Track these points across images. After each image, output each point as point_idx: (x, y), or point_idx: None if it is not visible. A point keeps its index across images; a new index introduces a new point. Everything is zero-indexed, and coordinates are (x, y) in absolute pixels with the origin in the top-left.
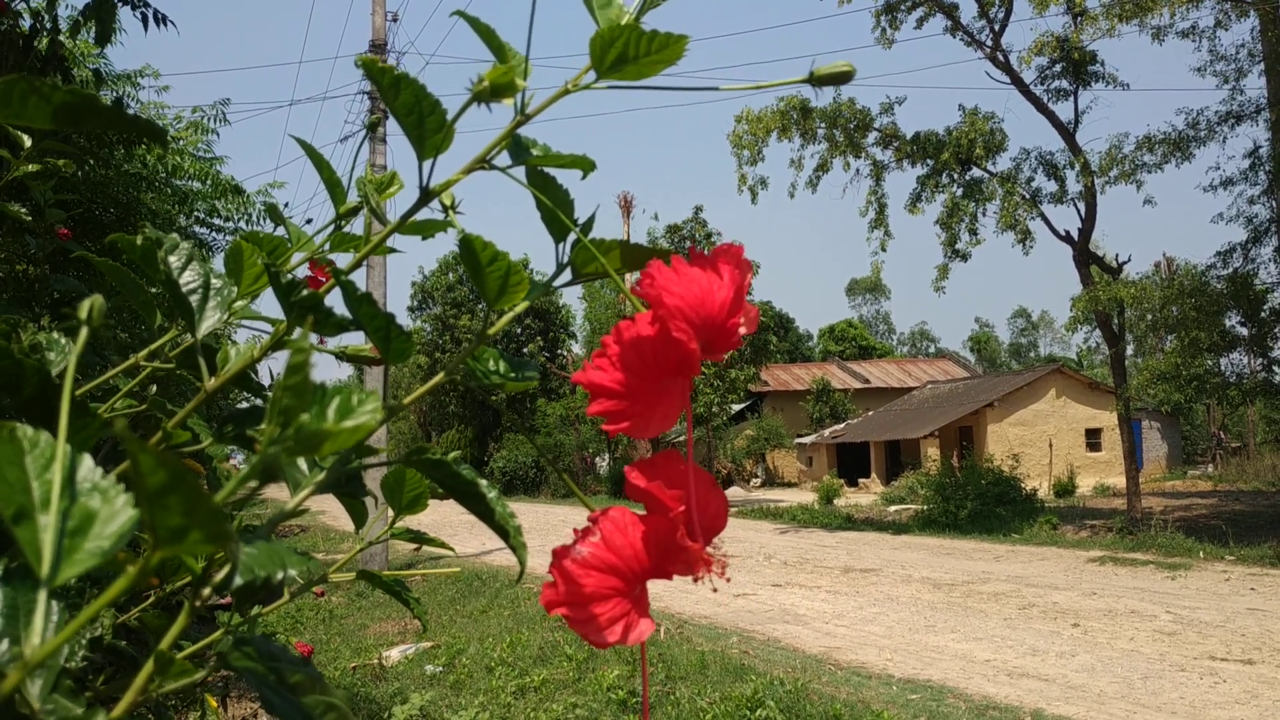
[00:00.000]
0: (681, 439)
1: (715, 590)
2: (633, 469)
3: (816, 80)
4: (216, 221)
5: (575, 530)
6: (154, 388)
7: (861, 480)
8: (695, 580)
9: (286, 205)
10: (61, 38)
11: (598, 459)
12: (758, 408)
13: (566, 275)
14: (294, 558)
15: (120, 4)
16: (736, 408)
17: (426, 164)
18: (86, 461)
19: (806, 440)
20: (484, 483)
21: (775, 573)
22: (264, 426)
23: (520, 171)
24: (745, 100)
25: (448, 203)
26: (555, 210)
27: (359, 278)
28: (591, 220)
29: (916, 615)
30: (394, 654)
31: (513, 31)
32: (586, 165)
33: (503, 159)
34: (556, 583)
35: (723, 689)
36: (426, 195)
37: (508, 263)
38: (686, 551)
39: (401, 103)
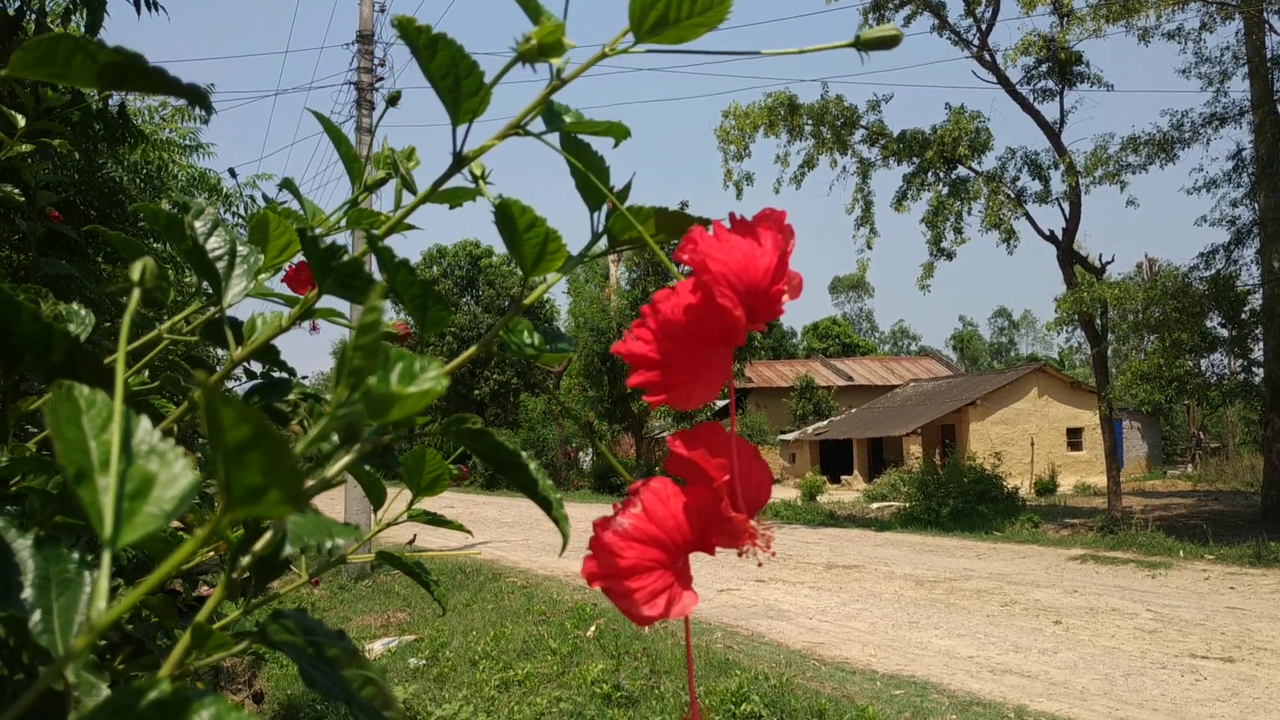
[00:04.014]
0: (664, 435)
1: (760, 565)
2: (675, 438)
3: (863, 44)
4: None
5: (614, 505)
6: (146, 372)
7: (844, 477)
8: (740, 554)
9: (279, 196)
10: (53, 25)
11: (581, 454)
12: (741, 404)
13: (602, 244)
14: (340, 527)
15: None
16: (720, 404)
17: (460, 130)
18: (144, 423)
19: (790, 437)
20: (525, 454)
21: (758, 568)
22: (332, 389)
23: (548, 142)
24: (732, 95)
25: (478, 172)
26: (590, 176)
27: None
28: (628, 187)
29: (899, 611)
30: (377, 647)
31: (506, 21)
32: (620, 132)
33: (536, 126)
34: (596, 555)
35: (707, 683)
36: (460, 161)
37: (546, 230)
38: (730, 523)
39: (437, 65)
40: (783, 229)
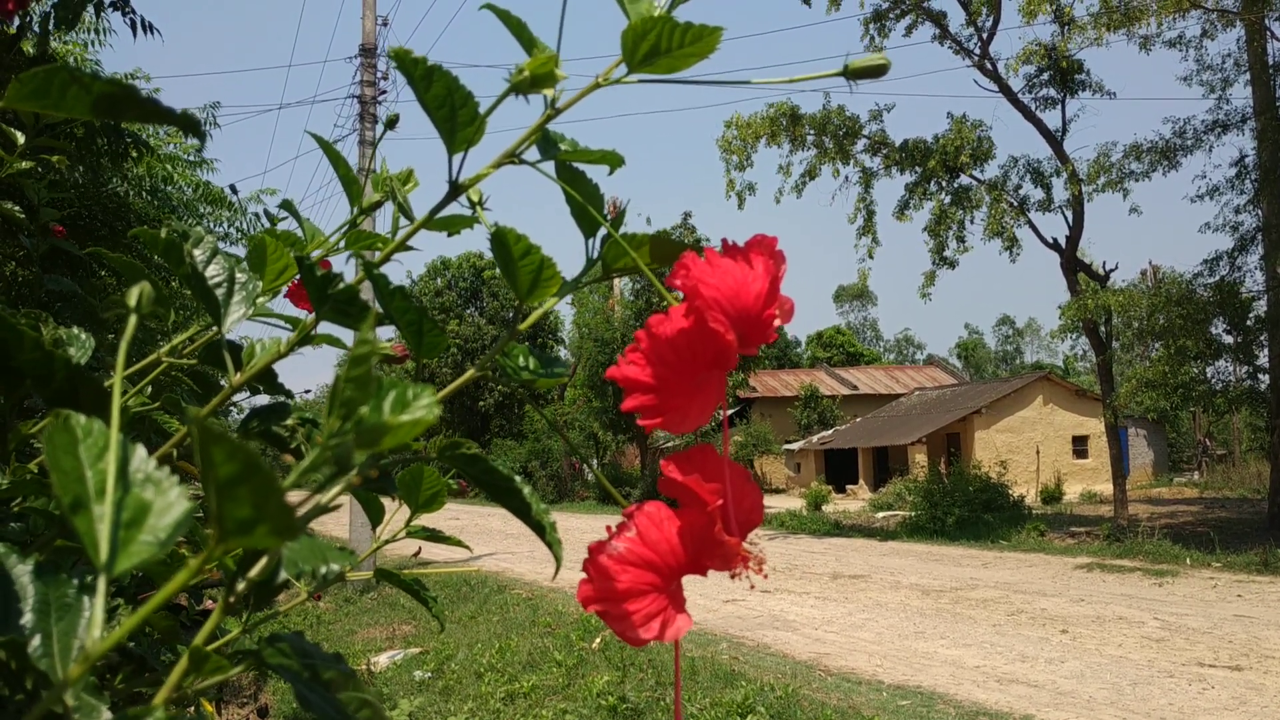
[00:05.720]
0: (672, 444)
1: (753, 587)
2: (669, 462)
3: (851, 73)
4: (206, 226)
5: (608, 527)
6: (149, 390)
7: (849, 487)
8: (732, 576)
9: (280, 214)
10: (50, 37)
11: (586, 465)
12: (746, 414)
13: (597, 271)
14: (335, 553)
15: (110, 9)
16: (724, 413)
17: (456, 158)
18: (139, 451)
19: (794, 446)
20: (519, 479)
21: (764, 579)
22: (324, 420)
23: (546, 169)
24: (735, 106)
25: (475, 198)
26: (585, 205)
27: None
28: (623, 214)
29: (905, 621)
30: (382, 660)
31: (502, 38)
32: (615, 161)
33: (531, 154)
34: (592, 578)
35: (713, 695)
36: (455, 189)
37: (540, 257)
38: (724, 546)
39: (433, 95)
40: (774, 255)
